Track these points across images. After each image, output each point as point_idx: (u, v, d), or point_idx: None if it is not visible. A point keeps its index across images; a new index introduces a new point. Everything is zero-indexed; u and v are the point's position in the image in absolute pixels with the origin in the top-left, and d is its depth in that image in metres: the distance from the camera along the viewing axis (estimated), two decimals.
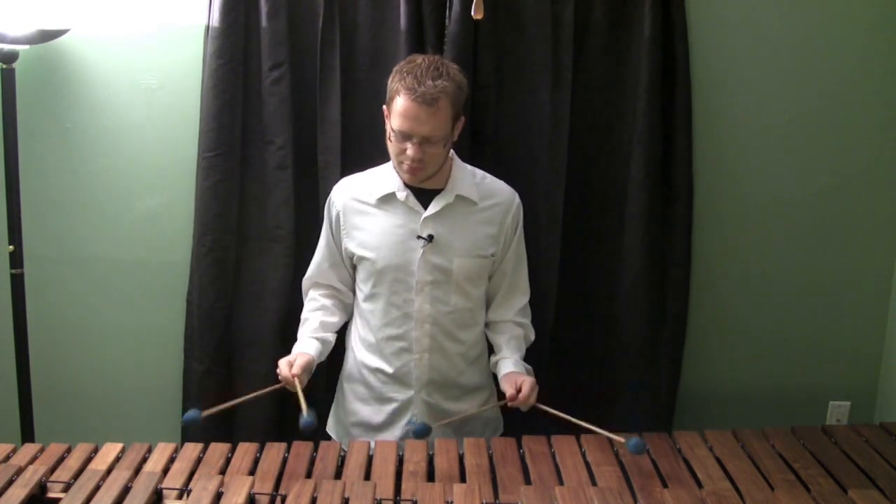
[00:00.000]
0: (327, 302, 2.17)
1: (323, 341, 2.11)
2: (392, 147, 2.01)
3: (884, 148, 2.58)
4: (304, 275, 2.50)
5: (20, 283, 2.42)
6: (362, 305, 2.15)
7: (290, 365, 1.98)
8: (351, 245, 2.11)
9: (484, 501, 1.68)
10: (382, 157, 2.46)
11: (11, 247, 2.39)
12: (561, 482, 1.77)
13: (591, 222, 2.52)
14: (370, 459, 1.86)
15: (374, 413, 2.15)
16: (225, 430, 2.53)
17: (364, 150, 2.47)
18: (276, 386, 2.01)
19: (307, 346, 2.08)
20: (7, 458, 1.83)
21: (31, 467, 1.76)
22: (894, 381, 2.66)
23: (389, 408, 2.13)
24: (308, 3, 2.39)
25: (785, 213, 2.61)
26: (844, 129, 2.56)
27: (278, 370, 2.00)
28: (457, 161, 2.12)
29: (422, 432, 1.90)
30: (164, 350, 2.59)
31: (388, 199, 2.08)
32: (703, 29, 2.46)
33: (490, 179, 2.15)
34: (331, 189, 2.43)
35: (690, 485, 1.77)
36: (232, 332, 2.53)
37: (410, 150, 1.96)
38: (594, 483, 1.77)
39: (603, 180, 2.51)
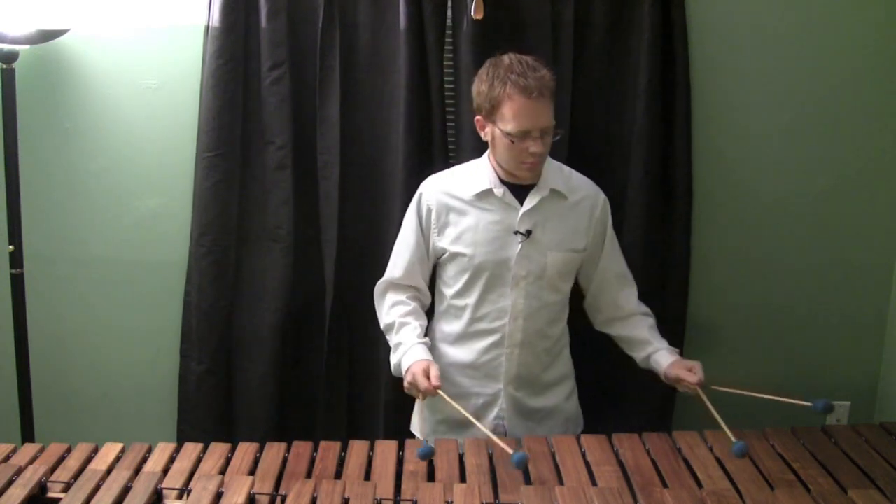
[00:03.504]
0: (415, 305, 2.18)
1: (427, 346, 2.11)
2: (511, 149, 2.01)
3: (884, 148, 2.58)
4: (302, 274, 2.50)
5: (20, 283, 2.42)
6: (451, 301, 2.16)
7: (426, 375, 1.97)
8: (443, 242, 2.12)
9: (484, 501, 1.68)
10: (382, 157, 2.47)
11: (11, 247, 2.39)
12: (561, 482, 1.78)
13: None
14: (370, 459, 1.86)
15: (456, 412, 2.10)
16: (225, 430, 2.53)
17: (364, 150, 2.47)
18: (420, 397, 2.02)
19: (422, 352, 2.06)
20: (7, 458, 1.83)
21: (31, 467, 1.76)
22: (894, 381, 2.66)
23: (477, 402, 2.13)
24: (308, 3, 2.39)
25: (785, 213, 2.61)
26: (844, 128, 2.56)
27: (411, 382, 1.99)
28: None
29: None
30: (164, 350, 2.58)
31: (484, 196, 2.09)
32: (703, 29, 2.45)
33: (576, 174, 2.19)
34: (330, 188, 2.45)
35: (690, 485, 1.77)
36: (231, 332, 2.53)
37: (534, 146, 1.98)
38: (594, 483, 1.77)
39: (603, 180, 2.51)
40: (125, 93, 2.46)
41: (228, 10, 2.34)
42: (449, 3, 2.38)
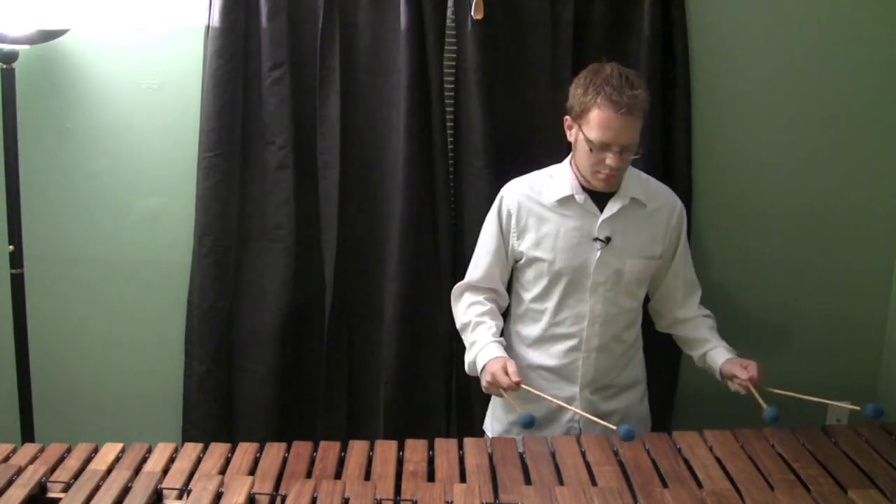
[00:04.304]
0: (492, 306, 2.19)
1: (502, 345, 2.12)
2: (588, 157, 2.02)
3: (884, 147, 2.58)
4: (302, 274, 2.50)
5: (20, 283, 2.42)
6: (529, 305, 2.17)
7: (505, 371, 1.99)
8: (523, 246, 2.13)
9: (484, 501, 1.68)
10: (382, 157, 2.47)
11: (11, 247, 2.39)
12: (561, 482, 1.77)
13: None
14: (370, 459, 1.86)
15: (535, 411, 2.12)
16: (225, 430, 2.53)
17: (364, 150, 2.47)
18: (507, 398, 2.02)
19: (497, 349, 2.08)
20: (7, 458, 1.83)
21: (31, 467, 1.76)
22: (894, 381, 2.66)
23: (552, 404, 2.12)
24: (308, 3, 2.39)
25: (785, 213, 2.61)
26: (844, 128, 2.56)
27: (490, 381, 2.00)
28: None
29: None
30: (164, 350, 2.59)
31: (565, 202, 2.10)
32: (703, 29, 2.46)
33: (654, 182, 2.20)
34: (330, 188, 2.45)
35: (690, 485, 1.77)
36: (232, 332, 2.53)
37: (610, 159, 1.99)
38: (594, 483, 1.77)
39: None
40: (125, 93, 2.46)
41: (228, 11, 2.34)
42: (450, 3, 2.39)
